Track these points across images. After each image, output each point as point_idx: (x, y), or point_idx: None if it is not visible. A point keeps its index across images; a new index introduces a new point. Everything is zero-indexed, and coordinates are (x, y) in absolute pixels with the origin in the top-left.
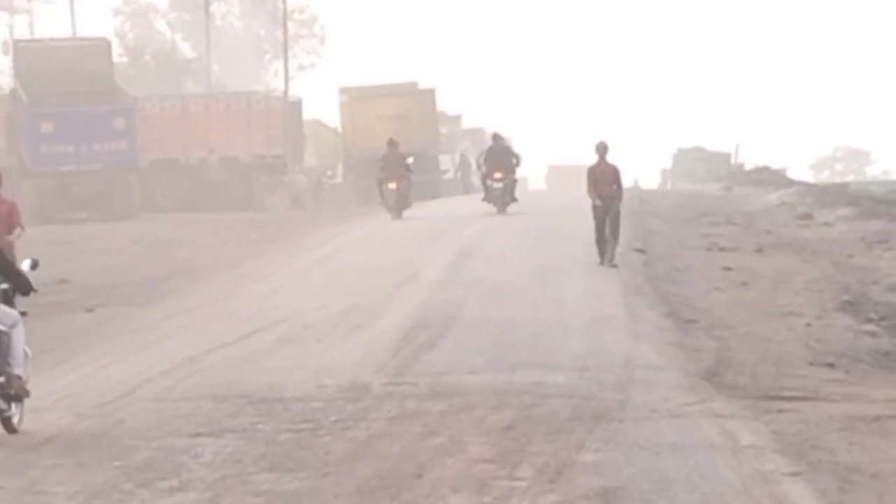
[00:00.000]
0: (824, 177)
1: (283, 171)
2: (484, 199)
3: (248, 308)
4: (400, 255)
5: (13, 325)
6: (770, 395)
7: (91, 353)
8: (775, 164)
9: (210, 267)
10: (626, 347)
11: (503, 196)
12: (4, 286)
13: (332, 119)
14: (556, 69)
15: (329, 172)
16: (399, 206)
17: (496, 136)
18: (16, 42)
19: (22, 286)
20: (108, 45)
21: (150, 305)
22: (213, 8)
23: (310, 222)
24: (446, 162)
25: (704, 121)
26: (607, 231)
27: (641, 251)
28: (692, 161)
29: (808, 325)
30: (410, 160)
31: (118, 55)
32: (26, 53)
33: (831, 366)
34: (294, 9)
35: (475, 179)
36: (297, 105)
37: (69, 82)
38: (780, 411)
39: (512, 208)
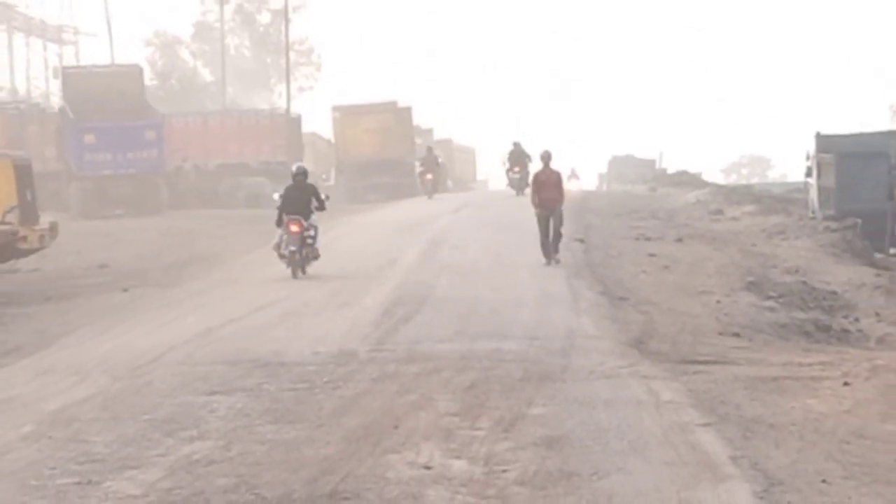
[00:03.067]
0: (732, 179)
1: (285, 175)
2: (508, 185)
3: (254, 289)
4: (381, 243)
5: (317, 225)
6: (687, 359)
7: (125, 326)
8: (692, 169)
9: (223, 254)
10: (568, 320)
11: (520, 182)
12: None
13: (327, 132)
14: (514, 87)
15: (324, 176)
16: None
17: (516, 143)
18: (64, 69)
19: (322, 207)
20: (141, 70)
21: (174, 286)
22: (228, 40)
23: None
24: (420, 167)
25: (634, 131)
26: (551, 233)
27: (581, 241)
28: (624, 166)
29: (718, 301)
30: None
31: (149, 79)
32: (73, 78)
33: (737, 335)
34: (295, 41)
35: (449, 182)
36: (297, 120)
37: (108, 102)
38: (694, 373)
39: (473, 208)
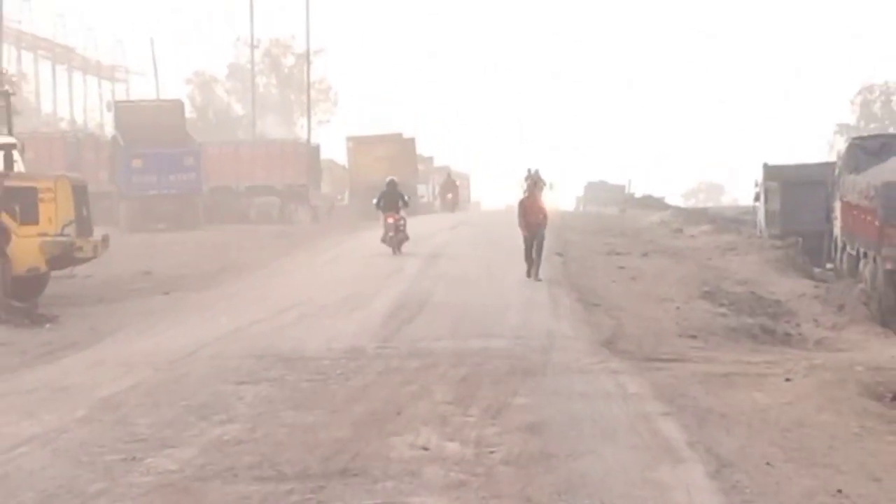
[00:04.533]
0: (691, 203)
1: (306, 196)
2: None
3: (277, 294)
4: (388, 256)
5: (405, 217)
6: (650, 357)
7: (166, 325)
8: (657, 193)
9: (251, 264)
10: (548, 323)
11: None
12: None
13: (342, 159)
14: (504, 119)
15: (339, 197)
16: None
17: (533, 171)
18: (116, 103)
19: (406, 205)
20: (182, 105)
21: (208, 291)
22: (258, 80)
23: (325, 233)
24: (422, 189)
25: (607, 159)
26: (534, 252)
27: (560, 255)
28: (597, 191)
29: (678, 308)
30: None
31: (189, 112)
32: (123, 110)
33: (694, 337)
34: (315, 81)
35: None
36: (316, 149)
37: (154, 131)
38: (657, 369)
39: (467, 226)
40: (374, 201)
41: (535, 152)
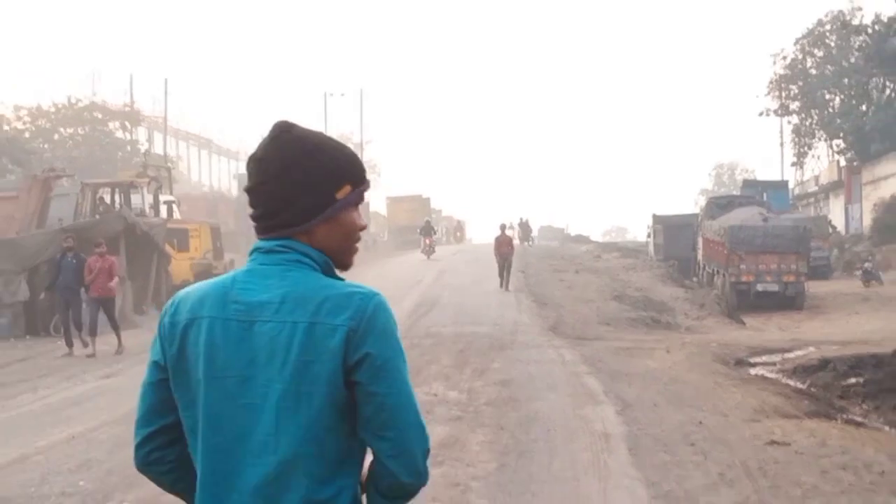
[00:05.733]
0: (606, 239)
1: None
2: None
3: None
4: (412, 272)
5: (437, 239)
6: (580, 337)
7: None
8: (584, 232)
9: None
10: (514, 316)
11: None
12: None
13: (382, 210)
14: (489, 179)
15: (381, 235)
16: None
17: (523, 219)
18: (240, 174)
19: (435, 233)
20: None
21: None
22: None
23: (372, 259)
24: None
25: (554, 207)
26: (505, 272)
27: (523, 272)
28: (547, 231)
29: (597, 306)
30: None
31: None
32: (244, 178)
33: (608, 324)
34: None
35: (444, 238)
36: (366, 205)
37: None
38: (584, 345)
39: (462, 254)
40: (419, 231)
41: (510, 202)
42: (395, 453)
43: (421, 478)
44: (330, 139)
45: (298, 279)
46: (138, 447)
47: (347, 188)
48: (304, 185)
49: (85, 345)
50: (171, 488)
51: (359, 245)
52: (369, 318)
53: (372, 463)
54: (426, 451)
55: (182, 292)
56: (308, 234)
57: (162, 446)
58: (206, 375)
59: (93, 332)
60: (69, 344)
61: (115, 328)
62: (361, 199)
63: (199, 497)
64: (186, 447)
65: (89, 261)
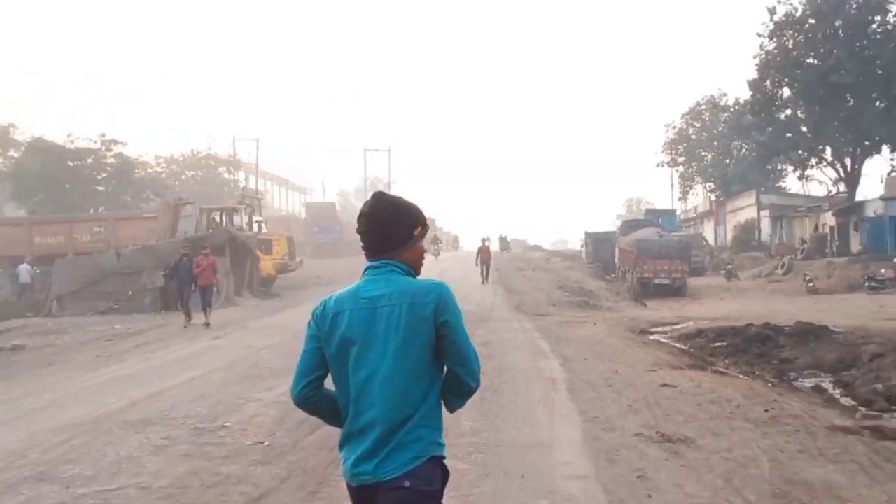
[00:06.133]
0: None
1: None
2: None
3: None
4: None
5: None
6: (536, 314)
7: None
8: (538, 243)
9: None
10: (491, 299)
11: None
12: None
13: None
14: (469, 194)
15: None
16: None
17: (502, 236)
18: (307, 203)
19: (441, 242)
20: (334, 204)
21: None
22: (365, 195)
23: None
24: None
25: (518, 222)
26: (485, 270)
27: (497, 270)
28: (514, 242)
29: (547, 293)
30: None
31: (338, 207)
32: (310, 206)
33: (554, 305)
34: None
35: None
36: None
37: (322, 215)
38: (538, 319)
39: (455, 255)
40: (430, 241)
41: (485, 218)
42: (463, 370)
43: (477, 382)
44: (406, 201)
45: (397, 280)
46: (298, 390)
47: (419, 229)
48: (397, 229)
49: (193, 318)
50: (312, 412)
51: (421, 263)
52: (444, 298)
53: (447, 377)
54: (478, 368)
55: (327, 297)
56: (398, 255)
57: (313, 389)
58: (350, 341)
59: (203, 309)
60: (188, 315)
61: (208, 308)
62: (425, 235)
63: (350, 411)
64: (323, 389)
65: (196, 259)
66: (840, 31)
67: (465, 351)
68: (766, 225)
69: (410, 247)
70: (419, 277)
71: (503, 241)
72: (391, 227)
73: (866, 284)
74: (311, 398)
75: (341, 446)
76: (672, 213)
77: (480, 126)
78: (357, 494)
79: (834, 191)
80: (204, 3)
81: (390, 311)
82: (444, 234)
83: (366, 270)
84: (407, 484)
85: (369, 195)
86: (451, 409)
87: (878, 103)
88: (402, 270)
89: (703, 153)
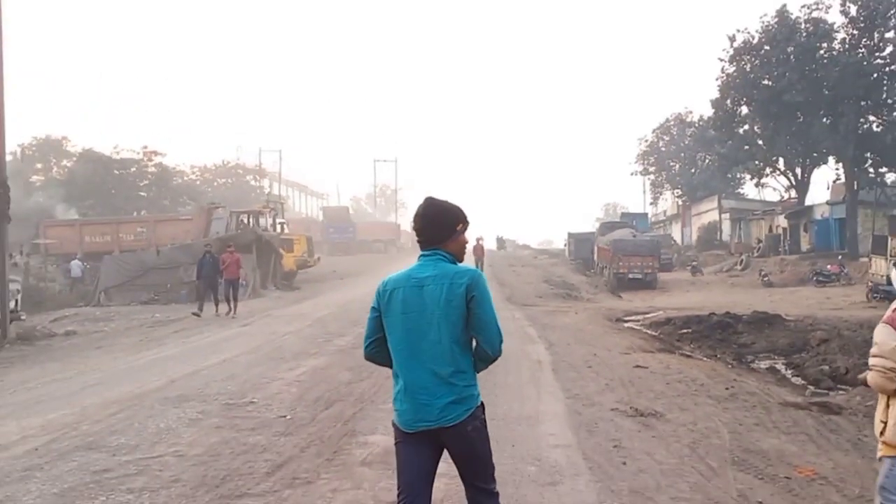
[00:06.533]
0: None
1: (397, 243)
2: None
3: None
4: None
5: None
6: (524, 304)
7: (339, 291)
8: (527, 242)
9: (377, 268)
10: None
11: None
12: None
13: (408, 228)
14: (466, 195)
15: (408, 243)
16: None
17: (499, 237)
18: (323, 207)
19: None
20: (347, 208)
21: (361, 276)
22: (376, 200)
23: (407, 255)
24: None
25: (510, 223)
26: (479, 267)
27: (491, 266)
28: (504, 242)
29: (535, 286)
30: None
31: (351, 211)
32: (326, 210)
33: (541, 297)
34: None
35: None
36: (398, 226)
37: (337, 218)
38: (527, 308)
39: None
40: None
41: (481, 217)
42: (486, 340)
43: (495, 351)
44: (450, 203)
45: (442, 265)
46: (366, 347)
47: (461, 225)
48: (443, 226)
49: (222, 310)
50: (378, 364)
51: (464, 252)
52: (476, 280)
53: (475, 346)
54: (501, 340)
55: (387, 277)
56: (444, 246)
57: (376, 347)
58: (403, 312)
59: (228, 301)
60: (201, 307)
61: (234, 300)
62: (466, 229)
63: (404, 368)
64: (386, 346)
65: (222, 256)
66: (792, 56)
67: (486, 323)
68: (726, 226)
69: (454, 240)
70: (459, 265)
71: (500, 240)
72: (438, 225)
73: (814, 278)
74: (375, 354)
75: (396, 399)
76: (644, 216)
77: (476, 137)
78: (413, 439)
79: (786, 196)
80: (236, 34)
81: (434, 289)
82: None
83: (419, 258)
84: (469, 428)
85: (378, 200)
86: (476, 371)
87: (824, 119)
88: (447, 258)
89: (672, 163)
